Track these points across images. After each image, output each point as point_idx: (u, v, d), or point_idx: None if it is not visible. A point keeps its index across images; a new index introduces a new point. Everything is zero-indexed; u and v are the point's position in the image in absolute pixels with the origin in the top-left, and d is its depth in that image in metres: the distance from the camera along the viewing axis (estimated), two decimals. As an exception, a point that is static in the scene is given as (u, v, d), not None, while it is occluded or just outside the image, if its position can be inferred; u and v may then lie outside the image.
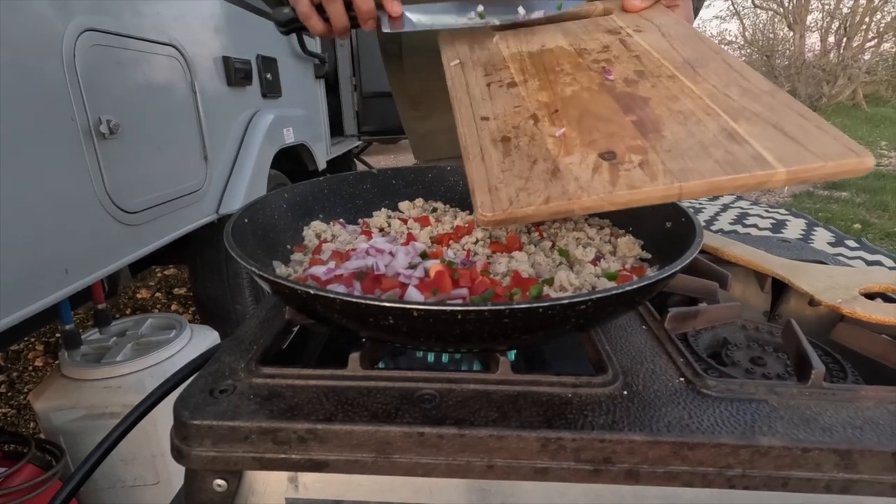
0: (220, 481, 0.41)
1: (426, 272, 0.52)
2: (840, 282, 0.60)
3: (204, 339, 1.55)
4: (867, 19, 12.95)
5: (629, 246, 0.59)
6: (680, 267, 0.41)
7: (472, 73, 0.66)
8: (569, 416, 0.40)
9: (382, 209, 0.74)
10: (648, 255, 0.58)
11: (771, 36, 15.21)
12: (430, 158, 1.05)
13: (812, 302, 0.60)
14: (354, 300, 0.38)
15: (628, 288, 0.38)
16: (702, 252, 0.68)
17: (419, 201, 0.75)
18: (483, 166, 0.50)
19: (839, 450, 0.38)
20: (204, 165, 1.72)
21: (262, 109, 2.16)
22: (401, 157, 7.69)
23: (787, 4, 13.86)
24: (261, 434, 0.40)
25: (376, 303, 0.37)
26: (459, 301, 0.48)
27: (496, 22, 0.71)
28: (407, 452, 0.39)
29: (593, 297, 0.37)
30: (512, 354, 0.62)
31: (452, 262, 0.55)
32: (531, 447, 0.39)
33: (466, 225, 0.66)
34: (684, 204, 0.55)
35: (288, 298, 0.46)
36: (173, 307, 2.99)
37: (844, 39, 13.20)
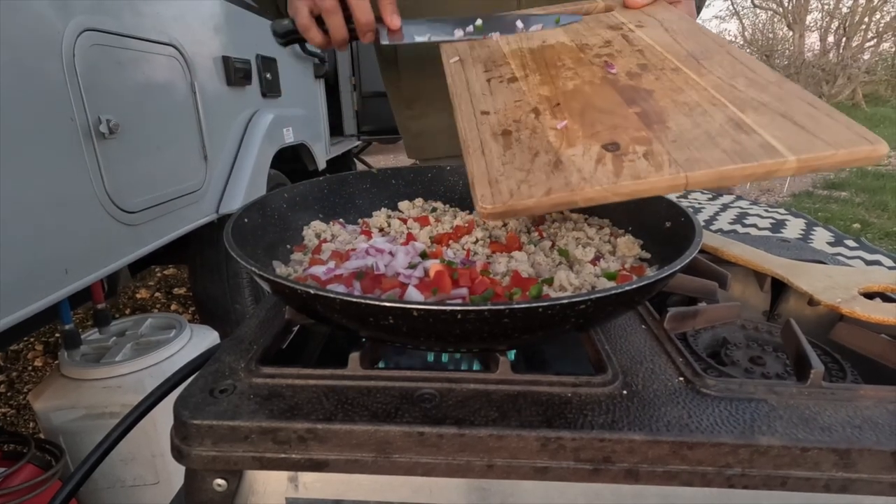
0: (220, 481, 0.42)
1: (426, 272, 0.52)
2: (839, 281, 0.60)
3: (204, 338, 1.55)
4: (866, 19, 12.96)
5: (629, 246, 0.59)
6: (679, 267, 0.41)
7: (472, 70, 0.65)
8: (568, 416, 0.40)
9: (382, 209, 0.74)
10: (648, 255, 0.58)
11: (770, 36, 15.22)
12: (423, 158, 1.05)
13: (811, 301, 0.60)
14: (354, 300, 0.38)
15: (628, 288, 0.38)
16: (701, 252, 0.68)
17: (419, 201, 0.75)
18: (483, 160, 0.50)
19: (838, 449, 0.38)
20: (203, 165, 1.72)
21: (261, 109, 2.16)
22: (400, 157, 7.69)
23: (786, 4, 13.87)
24: (261, 434, 0.40)
25: (376, 302, 0.37)
26: (459, 301, 0.48)
27: (494, 36, 0.71)
28: (407, 452, 0.39)
29: (593, 296, 0.37)
30: (512, 354, 0.62)
31: (452, 261, 0.55)
32: (531, 447, 0.39)
33: (466, 225, 0.66)
34: (684, 203, 0.55)
35: (288, 298, 0.46)
36: (173, 307, 2.99)
37: (844, 39, 13.20)
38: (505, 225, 0.67)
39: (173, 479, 1.37)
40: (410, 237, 0.63)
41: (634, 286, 0.39)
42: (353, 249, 0.60)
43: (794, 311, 0.66)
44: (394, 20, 0.69)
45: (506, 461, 0.39)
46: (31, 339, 2.65)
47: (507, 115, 0.55)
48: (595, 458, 0.39)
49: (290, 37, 0.72)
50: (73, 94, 1.14)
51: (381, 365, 0.59)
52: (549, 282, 0.51)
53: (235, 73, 1.93)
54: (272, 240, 0.61)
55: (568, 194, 0.44)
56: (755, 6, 14.93)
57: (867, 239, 3.84)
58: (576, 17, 0.70)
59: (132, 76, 1.36)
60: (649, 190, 0.44)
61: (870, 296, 0.59)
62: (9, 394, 2.28)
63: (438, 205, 0.75)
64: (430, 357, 0.63)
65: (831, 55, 13.44)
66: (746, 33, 15.70)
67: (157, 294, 3.14)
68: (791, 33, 14.02)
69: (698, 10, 0.85)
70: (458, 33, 0.71)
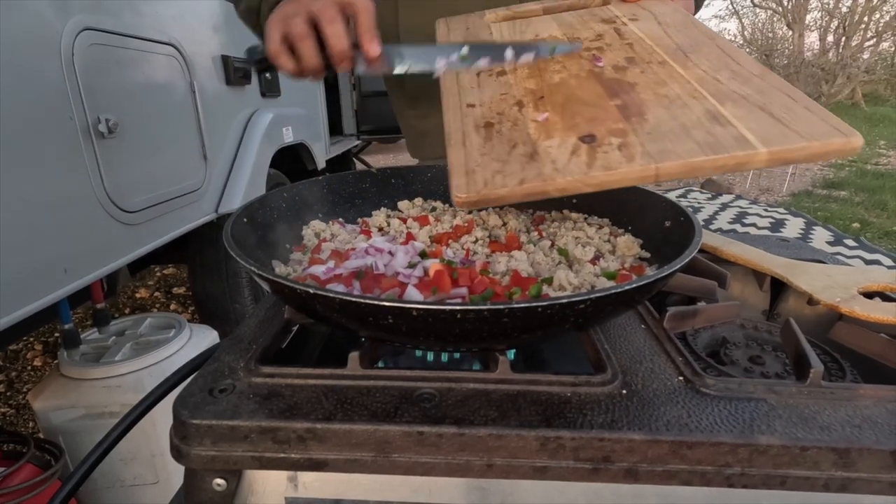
0: (219, 480, 0.41)
1: (425, 271, 0.52)
2: (839, 281, 0.60)
3: (203, 338, 1.55)
4: (866, 18, 12.96)
5: (628, 245, 0.59)
6: (679, 266, 0.41)
7: None
8: (568, 415, 0.40)
9: (382, 208, 0.74)
10: (647, 255, 0.58)
11: (770, 35, 15.23)
12: (428, 157, 1.05)
13: (811, 301, 0.61)
14: (354, 299, 0.38)
15: (627, 287, 0.38)
16: (701, 251, 0.68)
17: (418, 200, 0.75)
18: (463, 151, 0.51)
19: (837, 448, 0.38)
20: (203, 165, 1.72)
21: (261, 108, 2.16)
22: (400, 157, 7.69)
23: (786, 3, 13.87)
24: (260, 433, 0.40)
25: (375, 302, 0.37)
26: (459, 300, 0.48)
27: (481, 64, 0.65)
28: (406, 451, 0.39)
29: (592, 296, 0.37)
30: (511, 354, 0.62)
31: (452, 261, 0.55)
32: (530, 446, 0.39)
33: (466, 224, 0.66)
34: (683, 203, 0.55)
35: (287, 298, 0.46)
36: (172, 307, 2.99)
37: (843, 39, 13.21)
38: (505, 224, 0.67)
39: (173, 479, 1.37)
40: (410, 237, 0.63)
41: (634, 285, 0.39)
42: (353, 249, 0.60)
43: (793, 311, 0.66)
44: (372, 47, 0.61)
45: (505, 460, 0.39)
46: (31, 339, 2.65)
47: (492, 107, 0.56)
48: (594, 457, 0.39)
49: (262, 64, 0.66)
50: (73, 94, 1.14)
51: (380, 364, 0.59)
52: (549, 281, 0.51)
53: (235, 72, 1.92)
54: (271, 239, 0.61)
55: (540, 184, 0.45)
56: (755, 5, 14.93)
57: (866, 238, 3.84)
58: (575, 46, 0.63)
59: (131, 75, 1.36)
60: (620, 181, 0.45)
61: (869, 295, 0.59)
62: (8, 393, 2.28)
63: (438, 204, 0.75)
64: (430, 357, 0.63)
65: (831, 54, 13.45)
66: (746, 33, 15.71)
67: (156, 294, 3.14)
68: (790, 33, 14.02)
69: (697, 6, 0.85)
70: (441, 63, 0.64)
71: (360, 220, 0.72)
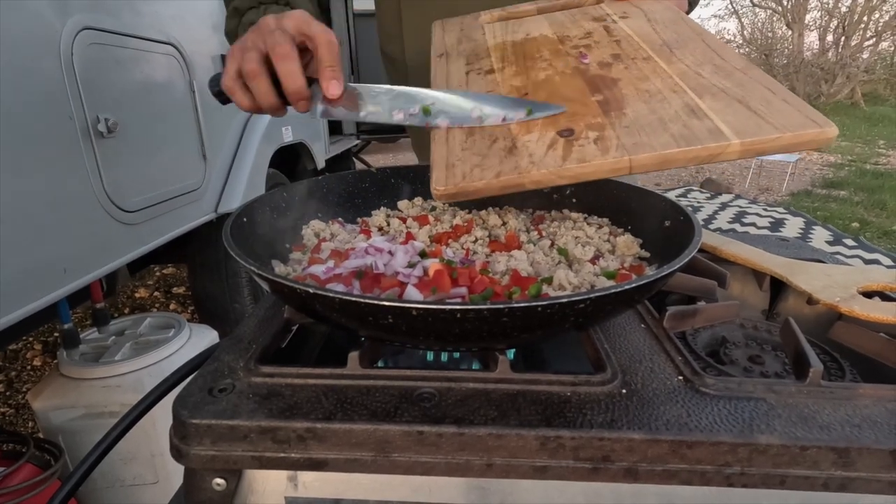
0: (219, 480, 0.41)
1: (425, 271, 0.52)
2: (838, 280, 0.60)
3: (203, 338, 1.55)
4: (865, 18, 12.97)
5: (628, 244, 0.59)
6: (679, 266, 0.41)
7: (454, 63, 0.67)
8: (568, 415, 0.40)
9: (381, 208, 0.74)
10: (647, 254, 0.58)
11: (769, 35, 15.23)
12: None
13: (810, 300, 0.61)
14: (353, 299, 0.38)
15: (627, 287, 0.38)
16: (700, 251, 0.68)
17: (418, 200, 0.75)
18: (446, 146, 0.52)
19: (837, 448, 0.38)
20: (202, 164, 1.72)
21: (260, 108, 2.16)
22: (400, 156, 7.69)
23: (785, 3, 13.88)
24: (260, 433, 0.40)
25: (375, 302, 0.37)
26: (458, 300, 0.48)
27: (441, 123, 0.57)
28: (406, 451, 0.39)
29: (592, 295, 0.37)
30: (511, 353, 0.62)
31: (451, 260, 0.55)
32: (530, 445, 0.39)
33: (465, 224, 0.66)
34: (683, 202, 0.56)
35: (287, 297, 0.46)
36: (172, 306, 2.99)
37: (843, 38, 13.21)
38: (504, 224, 0.67)
39: (172, 479, 1.37)
40: (410, 236, 0.63)
41: (634, 285, 0.39)
42: (353, 248, 0.60)
43: (792, 310, 0.66)
44: (331, 87, 0.55)
45: (505, 460, 0.39)
46: (30, 339, 2.65)
47: None
48: (594, 456, 0.39)
49: (221, 97, 0.61)
50: (72, 93, 1.14)
51: (380, 364, 0.59)
52: (549, 281, 0.51)
53: (234, 71, 1.92)
54: (271, 239, 0.61)
55: (516, 177, 0.46)
56: (754, 5, 14.94)
57: (866, 238, 3.85)
58: (558, 108, 0.54)
59: (131, 75, 1.36)
60: (594, 173, 0.46)
61: (868, 294, 0.59)
62: (7, 393, 2.28)
63: (438, 204, 0.75)
64: (430, 356, 0.63)
65: (830, 54, 13.46)
66: (745, 32, 15.70)
67: (155, 293, 3.14)
68: (790, 32, 14.03)
69: (691, 5, 0.85)
70: (399, 116, 0.58)
71: (359, 219, 0.72)
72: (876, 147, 8.20)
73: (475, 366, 0.60)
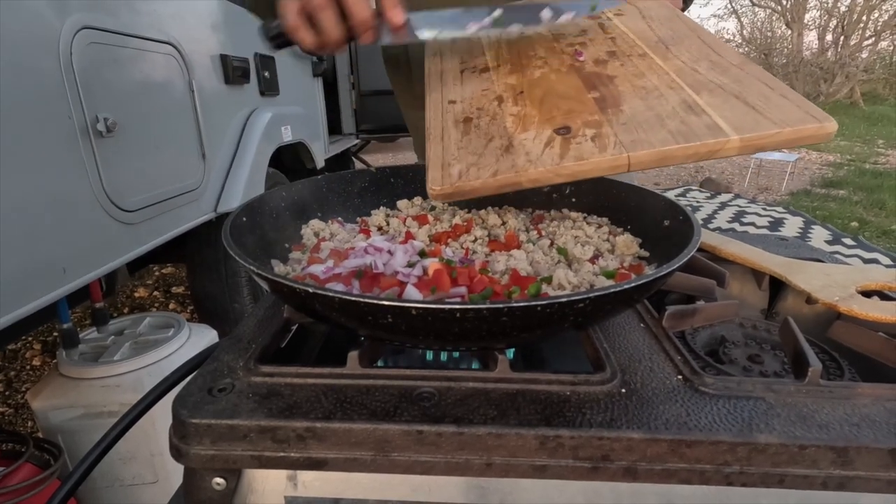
0: (218, 480, 0.41)
1: (425, 270, 0.52)
2: (837, 280, 0.60)
3: (202, 337, 1.54)
4: (865, 17, 12.97)
5: (627, 244, 0.59)
6: (678, 265, 0.41)
7: (449, 62, 0.67)
8: (567, 414, 0.40)
9: (381, 207, 0.74)
10: (647, 254, 0.59)
11: (769, 34, 15.23)
12: None
13: (809, 300, 0.61)
14: (353, 299, 0.38)
15: (626, 286, 0.38)
16: (699, 250, 0.68)
17: (417, 199, 0.75)
18: (441, 145, 0.52)
19: (836, 447, 0.38)
20: (202, 164, 1.72)
21: (259, 107, 2.16)
22: (399, 156, 7.68)
23: (784, 2, 13.88)
24: (259, 432, 0.40)
25: (375, 301, 0.37)
26: (458, 299, 0.48)
27: (516, 29, 0.60)
28: (406, 450, 0.39)
29: (591, 295, 0.37)
30: (510, 353, 0.62)
31: (451, 260, 0.55)
32: (529, 445, 0.39)
33: (465, 223, 0.66)
34: (682, 202, 0.56)
35: (286, 297, 0.46)
36: (171, 306, 2.99)
37: (842, 38, 13.22)
38: (504, 223, 0.67)
39: (172, 478, 1.37)
40: (409, 236, 0.63)
41: (633, 284, 0.39)
42: (352, 248, 0.60)
43: (792, 310, 0.66)
44: (396, 15, 0.57)
45: (504, 459, 0.39)
46: (30, 338, 2.65)
47: (473, 103, 0.57)
48: (593, 456, 0.39)
49: (279, 40, 0.63)
50: (71, 93, 1.14)
51: (379, 364, 0.59)
52: (548, 280, 0.51)
53: (233, 71, 1.92)
54: (270, 238, 0.61)
55: (513, 176, 0.46)
56: (754, 4, 14.94)
57: (865, 237, 3.85)
58: (614, 2, 0.62)
59: (130, 74, 1.36)
60: (592, 170, 0.45)
61: (867, 294, 0.59)
62: (7, 393, 2.28)
63: (437, 203, 0.75)
64: (429, 355, 0.63)
65: (829, 54, 13.47)
66: (745, 32, 15.71)
67: (155, 293, 3.14)
68: (789, 32, 14.03)
69: (686, 3, 0.85)
70: (473, 27, 0.60)
71: (359, 219, 0.72)
72: (875, 146, 8.21)
73: (475, 365, 0.60)
